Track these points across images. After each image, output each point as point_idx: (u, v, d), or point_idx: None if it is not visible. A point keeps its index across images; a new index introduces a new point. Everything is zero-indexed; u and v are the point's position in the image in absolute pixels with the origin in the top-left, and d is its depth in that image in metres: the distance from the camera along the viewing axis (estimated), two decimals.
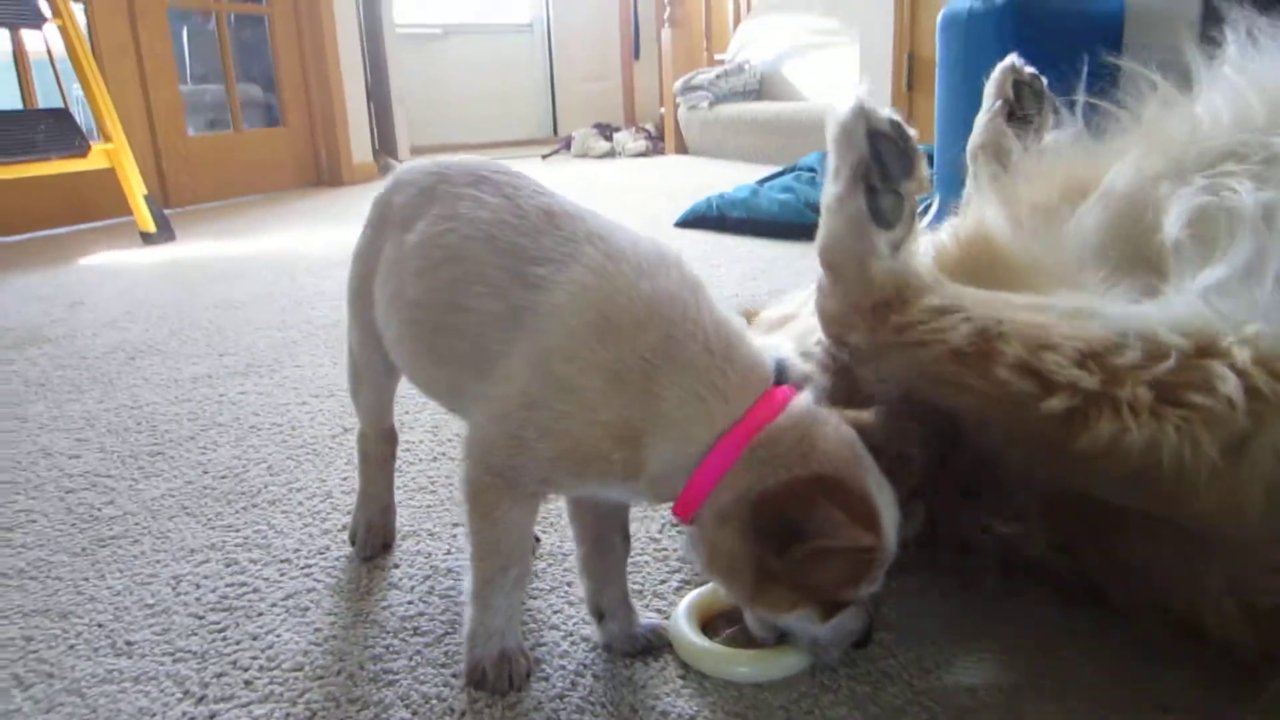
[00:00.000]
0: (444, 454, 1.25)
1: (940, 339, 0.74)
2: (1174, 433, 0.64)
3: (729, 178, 3.49)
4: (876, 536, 0.66)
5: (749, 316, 1.09)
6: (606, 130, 5.97)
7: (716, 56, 5.59)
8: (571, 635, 0.83)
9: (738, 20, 5.57)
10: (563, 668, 0.78)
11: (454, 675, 0.78)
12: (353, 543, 1.00)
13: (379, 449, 1.00)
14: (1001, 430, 0.75)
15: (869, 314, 0.78)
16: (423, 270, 0.77)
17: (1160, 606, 0.74)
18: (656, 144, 5.78)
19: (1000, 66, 1.16)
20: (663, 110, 5.75)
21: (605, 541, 0.80)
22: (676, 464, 0.68)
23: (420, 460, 1.23)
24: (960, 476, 0.83)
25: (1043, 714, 0.71)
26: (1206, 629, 0.70)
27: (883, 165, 0.78)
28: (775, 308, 1.14)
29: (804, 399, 0.71)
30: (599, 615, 0.81)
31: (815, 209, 2.81)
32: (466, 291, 0.73)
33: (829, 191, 0.81)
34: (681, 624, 0.80)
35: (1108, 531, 0.75)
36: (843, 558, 0.65)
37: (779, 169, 3.28)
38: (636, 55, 6.51)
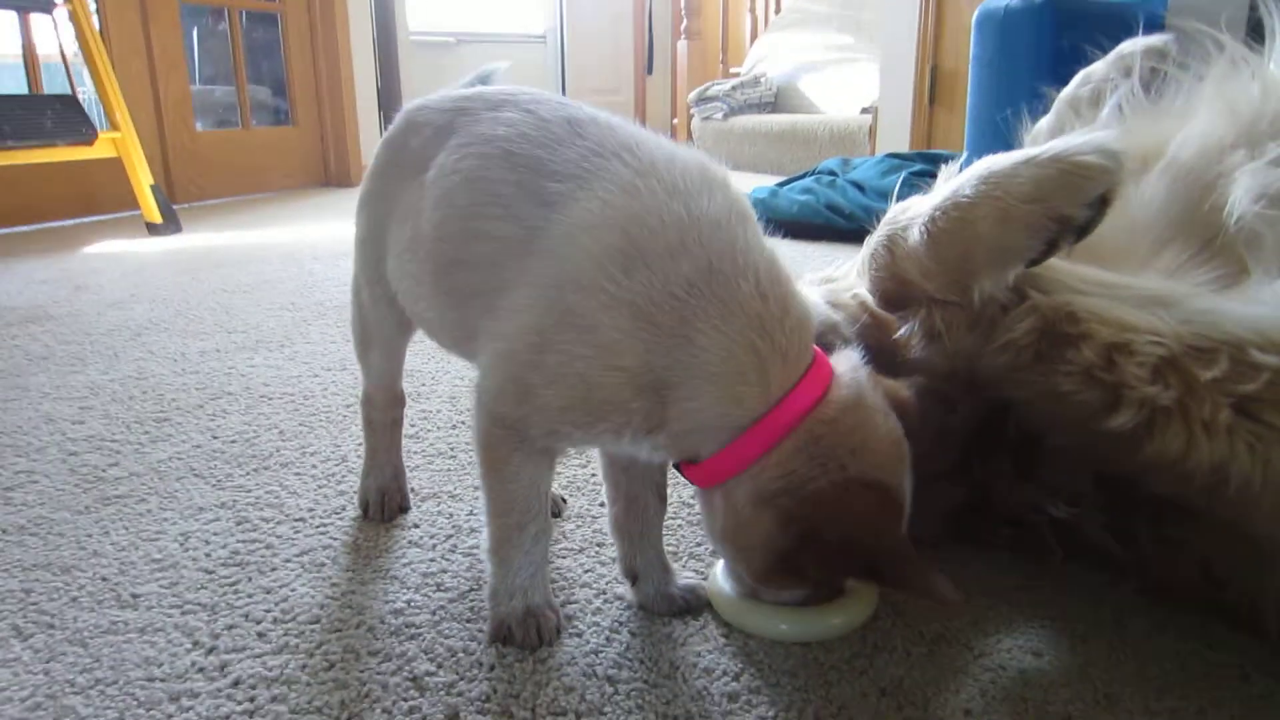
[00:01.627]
0: (462, 422, 1.20)
1: (1005, 334, 0.69)
2: (1246, 452, 0.60)
3: (744, 186, 3.46)
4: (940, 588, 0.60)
5: None
6: None
7: (731, 69, 5.60)
8: (604, 593, 0.78)
9: (754, 35, 5.58)
10: (596, 624, 0.74)
11: (480, 630, 0.73)
12: (365, 511, 0.94)
13: (386, 414, 0.93)
14: (1059, 427, 0.71)
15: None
16: (439, 201, 0.68)
17: (1217, 599, 0.70)
18: None
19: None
20: (675, 121, 5.75)
21: (639, 501, 0.75)
22: (711, 423, 0.60)
23: (439, 428, 1.19)
24: (1012, 454, 0.78)
25: (1114, 679, 0.66)
26: (1266, 627, 0.66)
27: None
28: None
29: (853, 362, 0.64)
30: (633, 577, 0.76)
31: (834, 210, 2.78)
32: (481, 215, 0.65)
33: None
34: (721, 581, 0.75)
35: (1167, 522, 0.71)
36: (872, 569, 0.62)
37: (796, 175, 3.25)
38: (650, 69, 6.52)
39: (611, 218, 0.59)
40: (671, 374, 0.58)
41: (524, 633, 0.70)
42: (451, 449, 1.12)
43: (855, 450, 0.60)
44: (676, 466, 0.67)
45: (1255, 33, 0.89)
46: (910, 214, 0.74)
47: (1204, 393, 0.61)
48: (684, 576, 0.78)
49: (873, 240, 0.80)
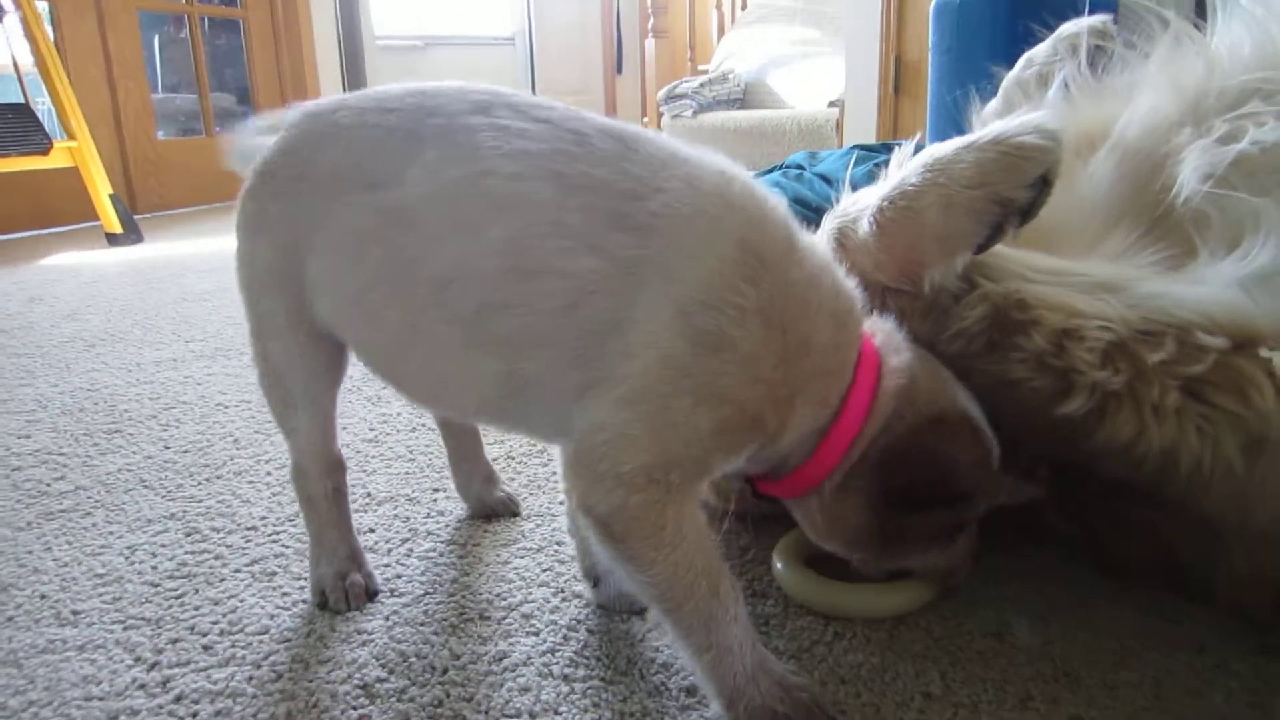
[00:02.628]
0: (423, 424, 1.18)
1: (957, 322, 0.68)
2: (1195, 435, 0.60)
3: None
4: (1013, 478, 0.61)
5: None
6: None
7: (700, 67, 5.59)
8: (563, 591, 0.76)
9: (721, 32, 5.58)
10: (554, 623, 0.72)
11: (434, 633, 0.71)
12: (321, 605, 0.75)
13: (325, 484, 0.77)
14: (1013, 414, 0.70)
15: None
16: (446, 235, 0.57)
17: (1173, 576, 0.70)
18: None
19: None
20: (646, 120, 5.73)
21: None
22: (808, 426, 0.59)
23: (399, 430, 1.16)
24: None
25: (1073, 655, 0.65)
26: (1215, 597, 0.67)
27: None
28: None
29: (884, 326, 0.65)
30: (593, 579, 0.74)
31: (802, 203, 2.77)
32: (539, 249, 0.55)
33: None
34: (782, 563, 0.75)
35: (1120, 503, 0.70)
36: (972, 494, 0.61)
37: (763, 170, 3.25)
38: (619, 69, 6.50)
39: (722, 230, 0.55)
40: (798, 380, 0.56)
41: None
42: (410, 452, 1.09)
43: (913, 399, 0.61)
44: (750, 485, 0.67)
45: (1201, 11, 0.88)
46: (859, 205, 0.73)
47: (1152, 376, 0.60)
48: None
49: (823, 232, 0.78)
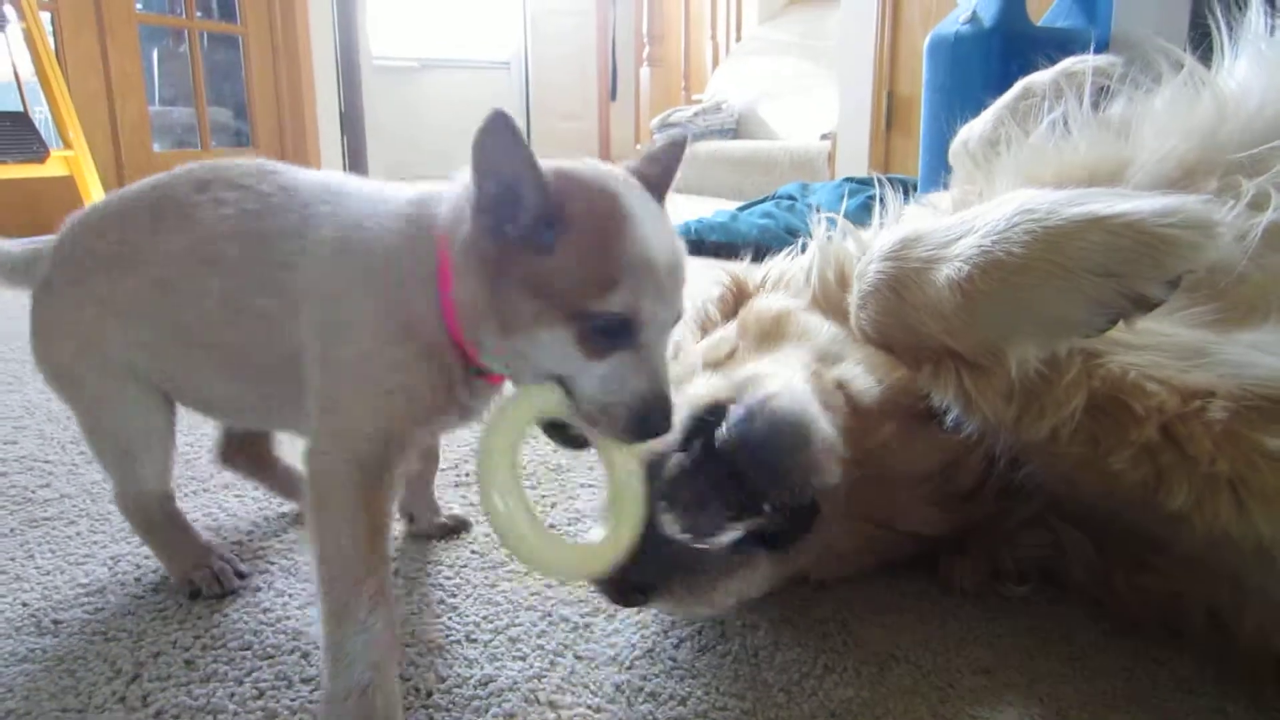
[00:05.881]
0: None
1: (1052, 413, 0.62)
2: None
3: (706, 210, 3.49)
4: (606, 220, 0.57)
5: (740, 286, 0.96)
6: None
7: (694, 96, 5.65)
8: (550, 616, 0.76)
9: (716, 62, 5.65)
10: (540, 648, 0.71)
11: (419, 654, 0.70)
12: (194, 595, 0.80)
13: (165, 508, 0.84)
14: (1095, 495, 0.67)
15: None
16: (189, 293, 0.71)
17: (1185, 624, 0.69)
18: None
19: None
20: (639, 147, 5.78)
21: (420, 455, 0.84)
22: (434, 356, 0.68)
23: None
24: (1009, 500, 0.77)
25: (1062, 695, 0.65)
26: (1229, 634, 0.66)
27: None
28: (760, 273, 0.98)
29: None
30: (409, 517, 0.92)
31: (794, 234, 2.79)
32: (239, 296, 0.69)
33: None
34: (499, 494, 0.61)
35: (1142, 558, 0.70)
36: (573, 242, 0.57)
37: (755, 200, 3.28)
38: (614, 96, 6.57)
39: (346, 258, 0.66)
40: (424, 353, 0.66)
41: None
42: None
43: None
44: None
45: (1199, 43, 0.86)
46: (924, 251, 0.64)
47: (1263, 465, 0.55)
48: (446, 509, 0.94)
49: (867, 273, 0.68)
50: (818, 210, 0.94)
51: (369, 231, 0.66)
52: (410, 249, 0.65)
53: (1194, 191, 0.69)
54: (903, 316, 0.63)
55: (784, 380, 0.71)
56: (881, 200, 0.91)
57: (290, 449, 0.96)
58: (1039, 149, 0.84)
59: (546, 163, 0.59)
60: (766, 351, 0.81)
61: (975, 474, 0.76)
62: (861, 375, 0.75)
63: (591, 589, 0.75)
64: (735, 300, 0.95)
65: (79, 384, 0.79)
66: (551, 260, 0.57)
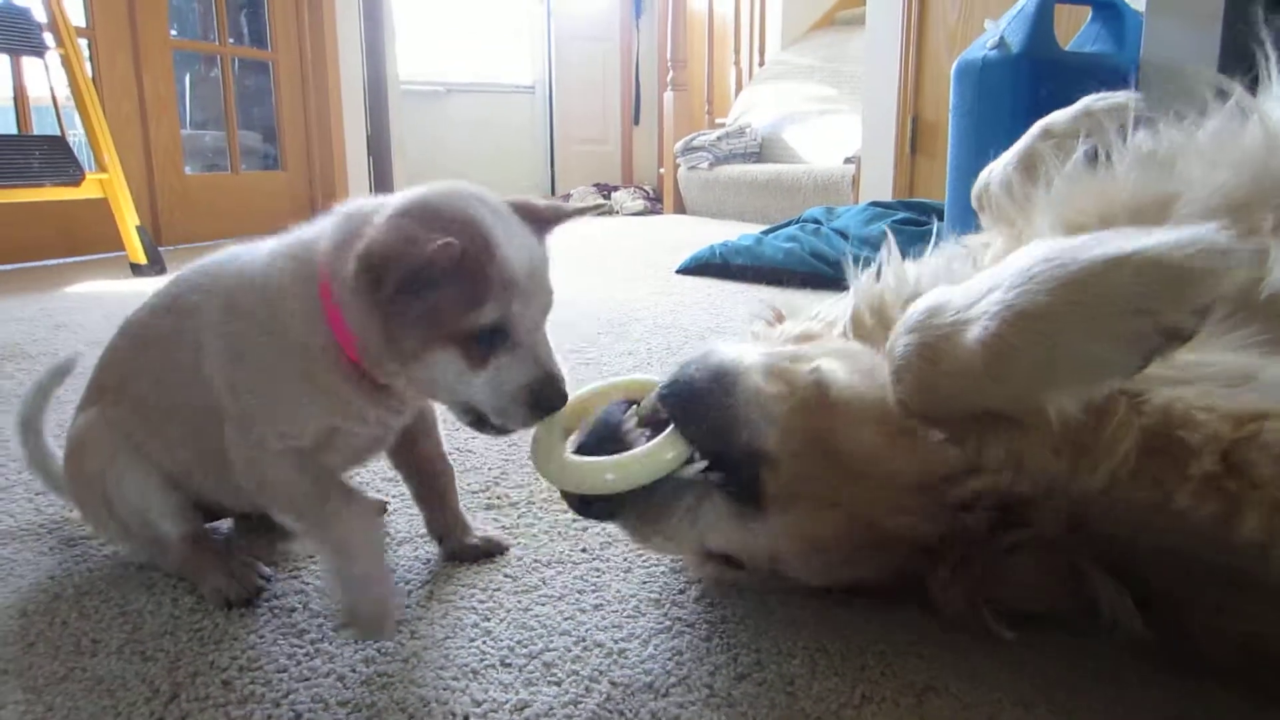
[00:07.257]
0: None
1: (1104, 460, 0.60)
2: None
3: (729, 233, 3.50)
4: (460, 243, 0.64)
5: (777, 318, 0.98)
6: (605, 189, 6.02)
7: (717, 120, 5.68)
8: (584, 641, 0.76)
9: (739, 87, 5.68)
10: (576, 673, 0.71)
11: (454, 679, 0.70)
12: (227, 605, 0.82)
13: (184, 547, 0.88)
14: (1157, 536, 0.64)
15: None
16: (155, 374, 0.86)
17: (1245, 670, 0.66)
18: (654, 204, 5.82)
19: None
20: (662, 171, 5.81)
21: (429, 473, 0.92)
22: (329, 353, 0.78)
23: None
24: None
25: None
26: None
27: None
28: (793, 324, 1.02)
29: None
30: (439, 537, 0.92)
31: (820, 258, 2.79)
32: (173, 359, 0.82)
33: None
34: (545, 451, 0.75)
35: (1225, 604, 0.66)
36: (438, 276, 0.65)
37: (780, 223, 3.28)
38: (636, 120, 6.62)
39: (210, 303, 0.79)
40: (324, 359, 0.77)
41: None
42: None
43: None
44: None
45: (1230, 69, 0.85)
46: (950, 316, 0.63)
47: None
48: (479, 529, 0.93)
49: (897, 347, 0.66)
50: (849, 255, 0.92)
51: (256, 274, 0.77)
52: (293, 287, 0.74)
53: (1248, 227, 0.68)
54: (938, 387, 0.62)
55: (742, 348, 0.76)
56: (936, 234, 0.91)
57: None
58: (1081, 185, 0.83)
59: (408, 198, 0.70)
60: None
61: (967, 491, 0.72)
62: (842, 371, 0.74)
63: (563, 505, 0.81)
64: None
65: (112, 507, 0.87)
66: (429, 299, 0.66)
